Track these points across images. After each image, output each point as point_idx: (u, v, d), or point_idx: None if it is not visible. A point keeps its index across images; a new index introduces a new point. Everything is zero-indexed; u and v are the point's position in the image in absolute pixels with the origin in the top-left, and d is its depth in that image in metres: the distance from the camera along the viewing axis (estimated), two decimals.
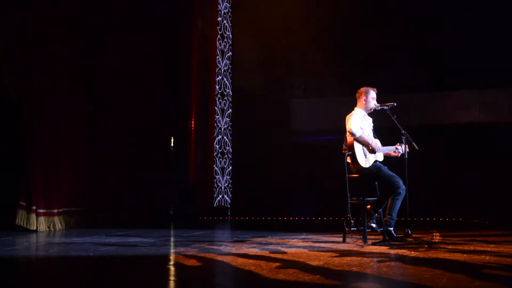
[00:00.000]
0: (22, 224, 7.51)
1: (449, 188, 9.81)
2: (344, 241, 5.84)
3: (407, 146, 5.79)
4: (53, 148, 7.96)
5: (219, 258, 4.91)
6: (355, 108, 5.99)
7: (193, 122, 10.73)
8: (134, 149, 9.72)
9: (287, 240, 6.29)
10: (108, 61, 9.26)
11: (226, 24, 11.60)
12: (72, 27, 8.46)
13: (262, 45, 11.71)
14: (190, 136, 10.74)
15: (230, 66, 11.70)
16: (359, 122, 5.80)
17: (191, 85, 10.80)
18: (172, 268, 4.52)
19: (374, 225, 5.78)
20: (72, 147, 8.41)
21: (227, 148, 11.52)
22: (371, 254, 4.99)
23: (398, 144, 5.91)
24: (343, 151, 5.89)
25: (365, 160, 5.76)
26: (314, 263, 4.46)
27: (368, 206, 5.82)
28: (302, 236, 6.68)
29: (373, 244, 5.62)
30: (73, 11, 8.48)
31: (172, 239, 6.56)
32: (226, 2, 11.65)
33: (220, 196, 11.15)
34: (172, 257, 4.96)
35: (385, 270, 4.23)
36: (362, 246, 5.54)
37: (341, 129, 5.96)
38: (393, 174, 5.74)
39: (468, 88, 10.51)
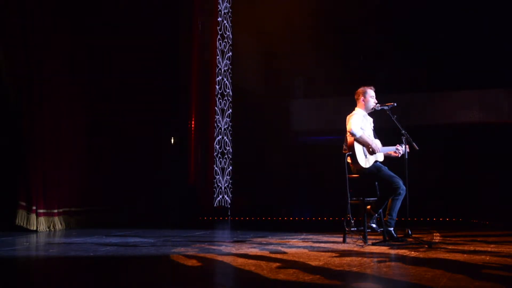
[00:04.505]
0: (22, 224, 7.51)
1: (449, 188, 9.80)
2: (344, 241, 5.84)
3: (407, 146, 5.79)
4: (53, 148, 7.96)
5: (219, 258, 4.91)
6: (356, 108, 5.99)
7: (193, 122, 10.74)
8: (134, 149, 9.72)
9: (287, 240, 6.29)
10: (108, 62, 9.26)
11: (226, 24, 11.60)
12: (73, 29, 8.45)
13: (262, 45, 11.72)
14: (190, 136, 10.74)
15: (230, 66, 11.69)
16: (359, 122, 5.80)
17: (191, 85, 10.81)
18: (172, 268, 4.51)
19: (374, 225, 5.78)
20: (72, 147, 8.41)
21: (227, 148, 11.52)
22: (371, 254, 4.99)
23: (399, 144, 5.91)
24: (343, 151, 5.89)
25: (365, 160, 5.76)
26: (314, 263, 4.46)
27: (368, 206, 5.82)
28: (302, 236, 6.69)
29: (373, 244, 5.62)
30: (73, 12, 8.48)
31: (172, 239, 6.56)
32: (226, 2, 11.65)
33: (220, 196, 11.15)
34: (172, 257, 4.96)
35: (385, 270, 4.23)
36: (362, 246, 5.54)
37: (341, 129, 5.96)
38: (393, 175, 5.74)
39: (468, 88, 10.51)
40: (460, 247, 5.40)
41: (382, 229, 5.75)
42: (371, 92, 5.97)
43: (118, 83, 9.49)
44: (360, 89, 6.02)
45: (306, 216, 10.24)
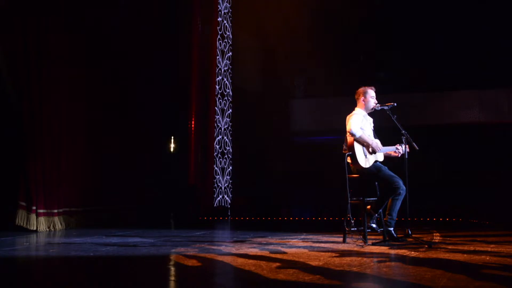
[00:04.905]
0: (22, 224, 7.51)
1: (449, 188, 9.80)
2: (344, 241, 5.84)
3: (407, 146, 5.79)
4: (53, 148, 7.96)
5: (219, 258, 4.91)
6: (356, 108, 5.99)
7: (193, 122, 10.74)
8: (134, 149, 9.73)
9: (287, 240, 6.29)
10: (108, 62, 9.26)
11: (226, 24, 11.60)
12: (72, 34, 8.45)
13: (262, 45, 11.73)
14: (190, 136, 10.75)
15: (230, 66, 11.70)
16: (359, 123, 5.80)
17: (191, 85, 10.81)
18: (172, 268, 4.52)
19: (374, 225, 5.77)
20: (72, 147, 8.41)
21: (227, 148, 11.52)
22: (371, 254, 4.99)
23: (398, 144, 5.90)
24: (343, 151, 5.89)
25: (365, 160, 5.76)
26: (314, 263, 4.46)
27: (368, 206, 5.81)
28: (302, 236, 6.68)
29: (373, 244, 5.62)
30: (73, 16, 8.46)
31: (172, 239, 6.56)
32: (226, 2, 11.65)
33: (220, 196, 11.15)
34: (172, 257, 4.96)
35: (385, 270, 4.22)
36: (362, 246, 5.54)
37: (341, 129, 5.96)
38: (393, 175, 5.74)
39: (468, 88, 10.51)
40: (460, 247, 5.40)
41: (382, 229, 5.75)
42: (371, 92, 5.97)
43: (117, 83, 9.49)
44: (361, 89, 6.01)
45: (306, 216, 10.24)
